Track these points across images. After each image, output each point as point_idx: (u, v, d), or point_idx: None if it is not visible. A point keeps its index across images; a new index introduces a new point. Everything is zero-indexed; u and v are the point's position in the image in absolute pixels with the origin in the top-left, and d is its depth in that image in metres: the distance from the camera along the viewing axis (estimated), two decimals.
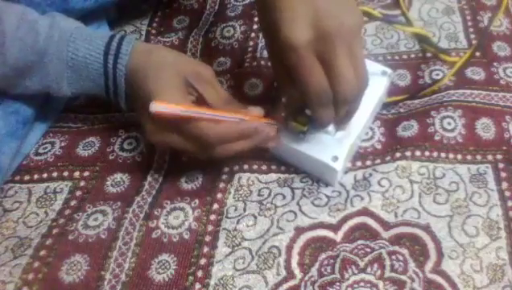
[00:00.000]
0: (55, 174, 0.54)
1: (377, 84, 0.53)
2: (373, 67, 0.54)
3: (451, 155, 0.52)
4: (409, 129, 0.54)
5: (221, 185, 0.52)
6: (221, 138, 0.45)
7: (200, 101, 0.48)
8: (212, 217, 0.49)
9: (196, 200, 0.50)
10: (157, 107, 0.42)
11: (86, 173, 0.54)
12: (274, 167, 0.53)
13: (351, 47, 0.41)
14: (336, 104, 0.43)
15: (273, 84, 0.59)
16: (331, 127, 0.49)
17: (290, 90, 0.45)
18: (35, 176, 0.54)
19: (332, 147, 0.49)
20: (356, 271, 0.45)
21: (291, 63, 0.41)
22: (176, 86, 0.47)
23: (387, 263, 0.45)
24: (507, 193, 0.49)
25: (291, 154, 0.51)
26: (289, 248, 0.47)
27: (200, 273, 0.46)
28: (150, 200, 0.51)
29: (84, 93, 0.51)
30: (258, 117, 0.48)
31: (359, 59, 0.42)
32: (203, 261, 0.47)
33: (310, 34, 0.40)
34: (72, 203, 0.51)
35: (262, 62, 0.62)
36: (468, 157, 0.52)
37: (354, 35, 0.41)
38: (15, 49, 0.47)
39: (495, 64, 0.59)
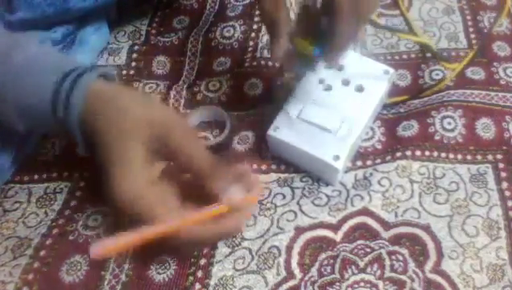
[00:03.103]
0: (55, 174, 0.54)
1: (379, 83, 0.53)
2: (375, 66, 0.54)
3: (451, 155, 0.52)
4: (409, 129, 0.54)
5: None
6: (198, 243, 0.45)
7: (173, 165, 0.43)
8: None
9: None
10: (96, 252, 0.37)
11: (86, 173, 0.54)
12: (274, 167, 0.53)
13: None
14: (359, 19, 0.43)
15: (273, 85, 0.59)
16: (332, 125, 0.49)
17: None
18: (35, 177, 0.54)
19: (333, 146, 0.49)
20: (356, 271, 0.45)
21: None
22: (141, 155, 0.40)
23: (387, 263, 0.45)
24: (507, 193, 0.49)
25: (292, 152, 0.51)
26: (289, 248, 0.47)
27: (200, 273, 0.46)
28: None
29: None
30: (226, 207, 0.42)
31: None
32: (203, 261, 0.47)
33: None
34: (72, 203, 0.51)
35: (262, 62, 0.62)
36: (468, 157, 0.51)
37: None
38: None
39: (495, 64, 0.59)
